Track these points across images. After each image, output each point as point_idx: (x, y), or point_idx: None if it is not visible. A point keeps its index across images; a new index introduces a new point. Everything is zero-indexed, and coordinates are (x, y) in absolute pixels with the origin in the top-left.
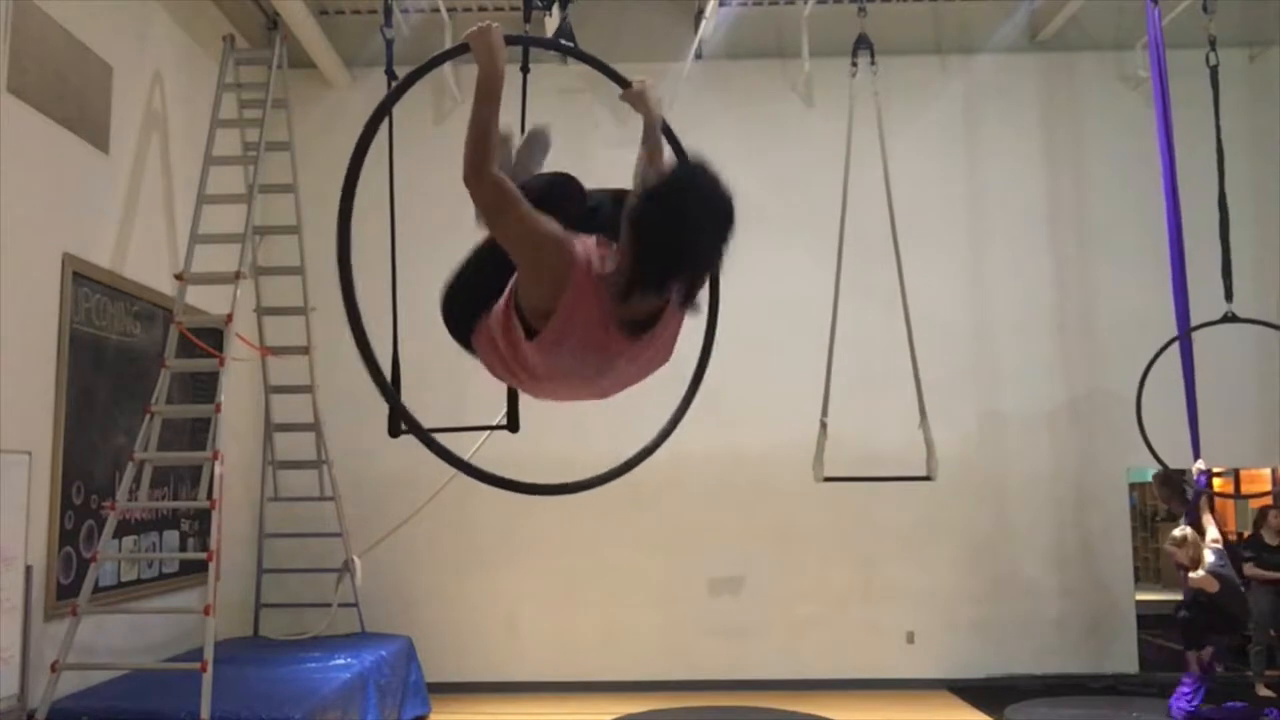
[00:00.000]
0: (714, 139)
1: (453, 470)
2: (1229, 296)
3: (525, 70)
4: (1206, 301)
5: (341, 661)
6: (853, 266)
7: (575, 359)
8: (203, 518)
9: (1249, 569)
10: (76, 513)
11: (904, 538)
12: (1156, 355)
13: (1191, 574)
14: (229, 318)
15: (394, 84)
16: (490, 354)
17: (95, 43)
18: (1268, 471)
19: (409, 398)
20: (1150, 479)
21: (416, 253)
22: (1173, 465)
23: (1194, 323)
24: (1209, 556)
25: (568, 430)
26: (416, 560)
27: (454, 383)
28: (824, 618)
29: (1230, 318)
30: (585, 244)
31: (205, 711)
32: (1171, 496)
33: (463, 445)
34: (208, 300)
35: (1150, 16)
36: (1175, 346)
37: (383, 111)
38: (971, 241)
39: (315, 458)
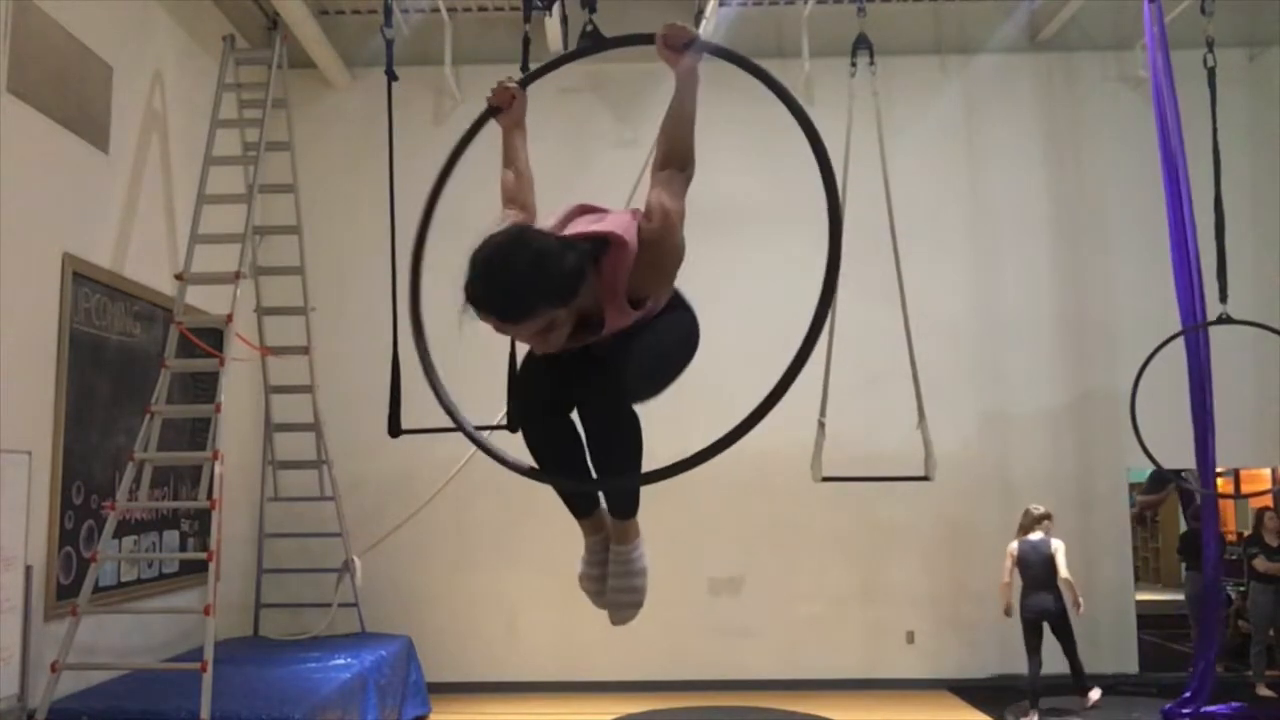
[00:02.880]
0: (714, 139)
1: (452, 470)
2: (1224, 297)
3: (525, 69)
4: (1205, 302)
5: (341, 661)
6: (853, 266)
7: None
8: (203, 518)
9: (1260, 563)
10: (76, 513)
11: (904, 538)
12: (1150, 357)
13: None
14: (229, 318)
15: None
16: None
17: (95, 43)
18: (1268, 471)
19: (409, 397)
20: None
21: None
22: (1168, 466)
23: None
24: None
25: None
26: (416, 560)
27: (453, 382)
28: (824, 618)
29: (1225, 319)
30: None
31: (205, 711)
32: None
33: (459, 445)
34: (208, 300)
35: (1148, 14)
36: (1175, 347)
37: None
38: (972, 241)
39: (315, 458)
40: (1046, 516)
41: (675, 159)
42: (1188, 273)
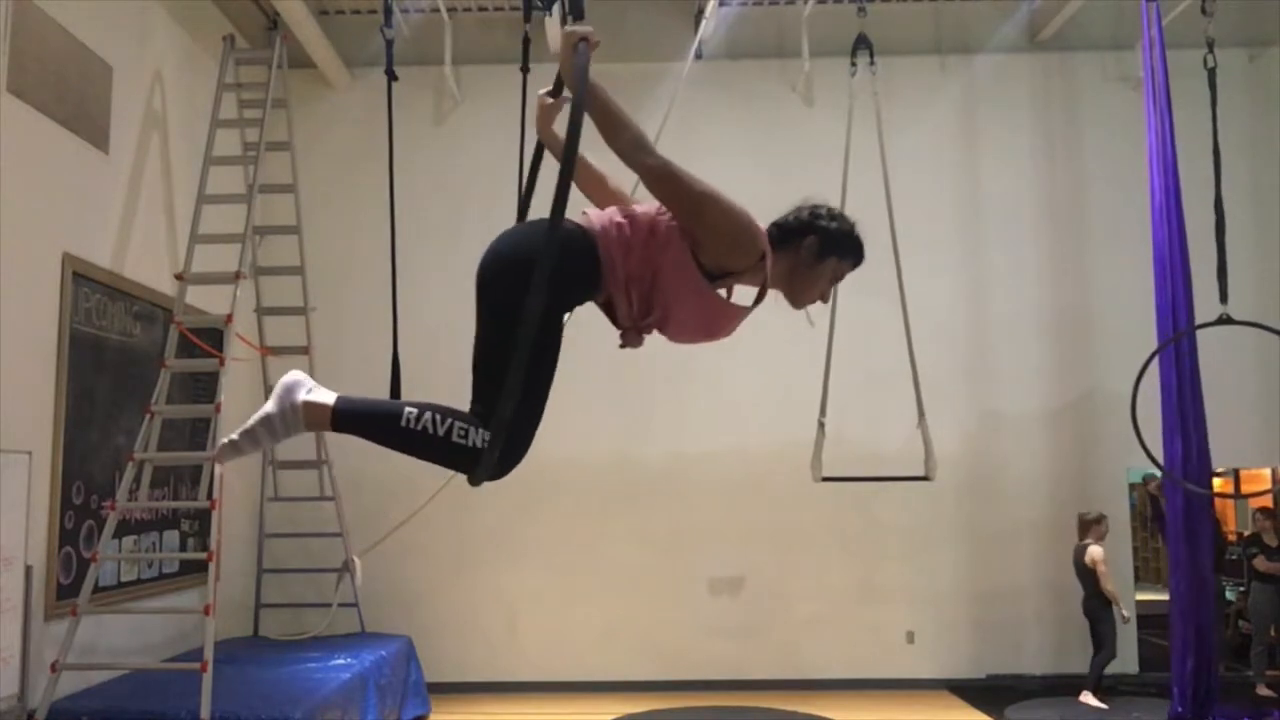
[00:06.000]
0: (714, 139)
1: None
2: (1224, 298)
3: (525, 70)
4: (1204, 302)
5: (341, 661)
6: None
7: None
8: (203, 518)
9: (1259, 562)
10: (76, 513)
11: (904, 538)
12: (1150, 358)
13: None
14: (229, 318)
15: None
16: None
17: (95, 43)
18: (1268, 471)
19: (409, 396)
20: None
21: (416, 253)
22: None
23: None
24: None
25: (566, 431)
26: (416, 560)
27: (452, 382)
28: (824, 618)
29: (1225, 320)
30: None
31: (205, 711)
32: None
33: None
34: (208, 300)
35: (1146, 15)
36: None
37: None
38: (971, 241)
39: (315, 458)
40: (1094, 521)
41: None
42: (1166, 274)
